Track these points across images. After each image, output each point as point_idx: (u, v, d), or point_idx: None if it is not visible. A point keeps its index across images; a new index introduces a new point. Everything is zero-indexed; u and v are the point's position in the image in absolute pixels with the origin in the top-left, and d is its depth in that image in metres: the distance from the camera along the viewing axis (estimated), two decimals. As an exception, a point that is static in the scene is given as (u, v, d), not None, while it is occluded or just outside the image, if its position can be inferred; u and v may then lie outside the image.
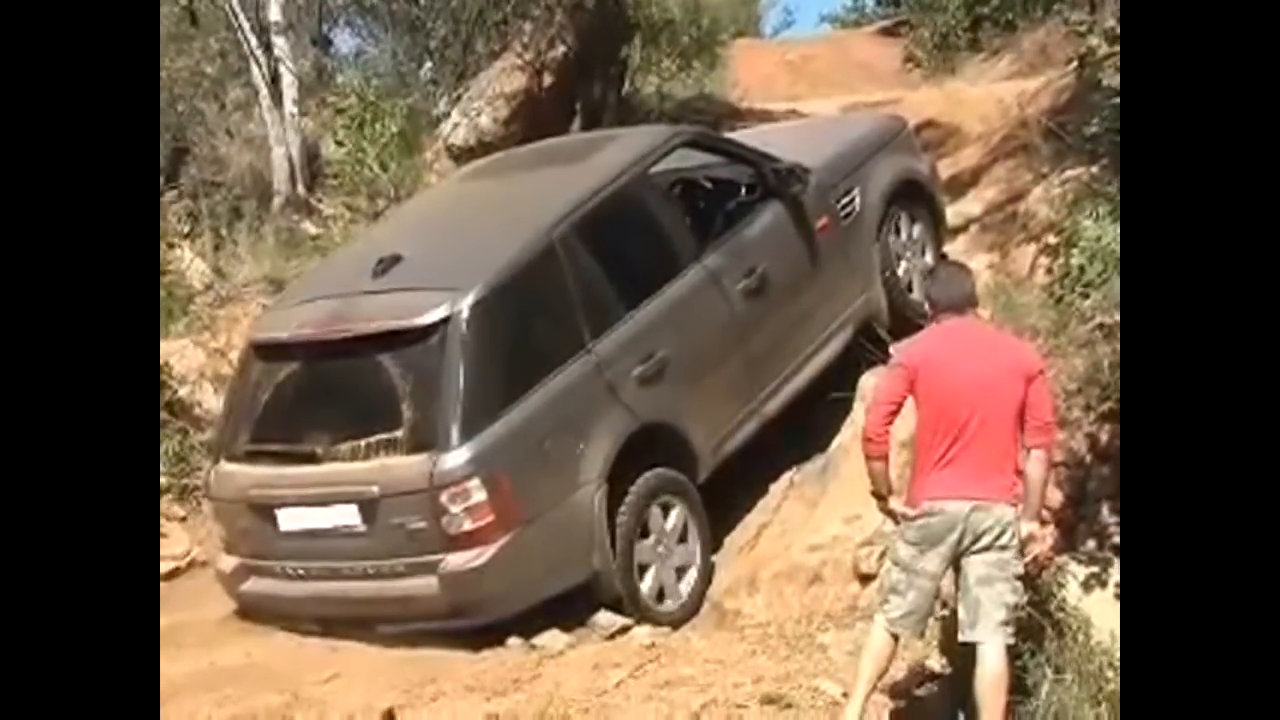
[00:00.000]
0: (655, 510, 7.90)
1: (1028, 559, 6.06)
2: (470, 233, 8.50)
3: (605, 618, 7.72)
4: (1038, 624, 6.08)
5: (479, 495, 7.29)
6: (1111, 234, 6.39)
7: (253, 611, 7.97)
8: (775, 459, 8.66)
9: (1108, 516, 6.88)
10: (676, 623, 7.80)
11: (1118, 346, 7.26)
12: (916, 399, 6.05)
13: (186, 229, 12.39)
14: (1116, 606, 6.41)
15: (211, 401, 9.87)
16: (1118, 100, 6.69)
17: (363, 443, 7.48)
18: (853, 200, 9.21)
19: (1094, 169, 7.29)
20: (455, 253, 8.16)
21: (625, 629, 7.67)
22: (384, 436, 7.45)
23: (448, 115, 14.17)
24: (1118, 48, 6.72)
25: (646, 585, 7.85)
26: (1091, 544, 6.83)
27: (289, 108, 13.79)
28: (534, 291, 7.79)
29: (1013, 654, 5.89)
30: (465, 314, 7.48)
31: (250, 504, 7.84)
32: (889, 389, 6.12)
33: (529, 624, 7.51)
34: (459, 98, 14.39)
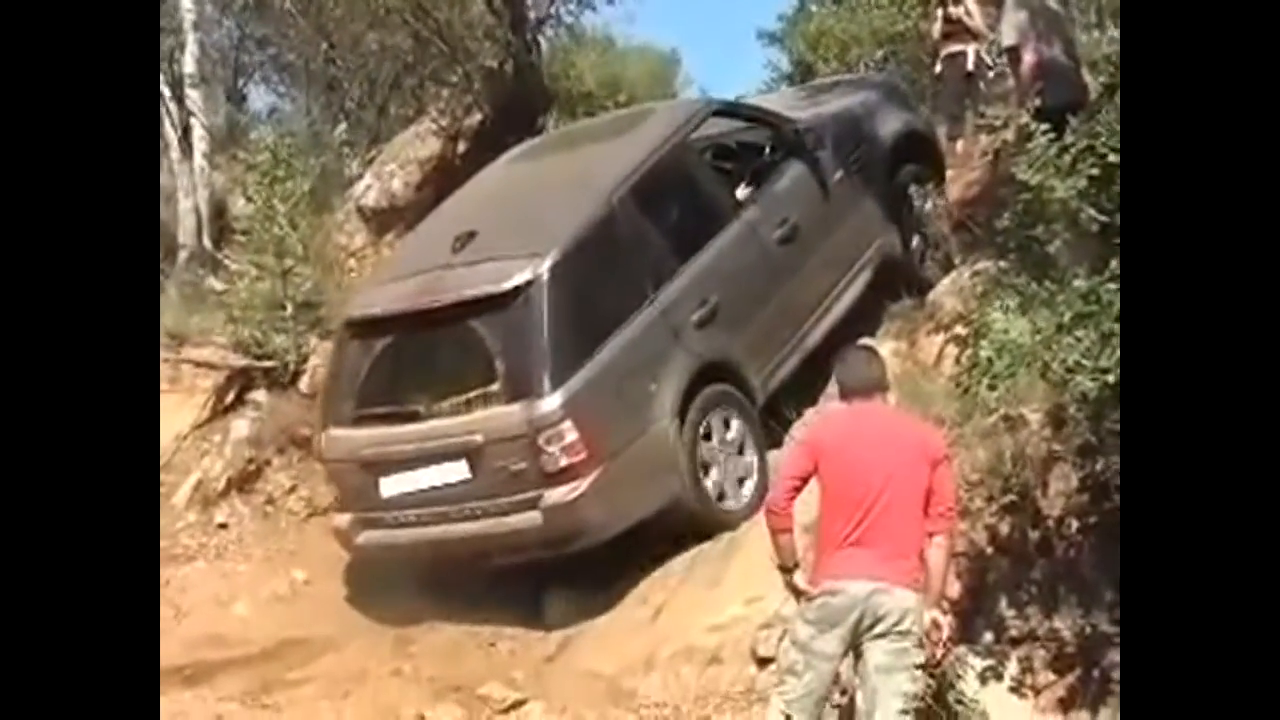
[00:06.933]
0: (716, 420, 8.71)
1: (932, 649, 6.05)
2: (536, 205, 9.27)
3: (498, 691, 7.67)
4: (936, 714, 6.08)
5: (571, 435, 8.17)
6: (1019, 328, 6.45)
7: (370, 560, 8.85)
8: (678, 535, 8.63)
9: (1005, 609, 6.92)
10: (739, 519, 8.44)
11: (1021, 438, 7.35)
12: (821, 479, 6.08)
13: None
14: (1012, 699, 6.46)
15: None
16: (1028, 195, 6.80)
17: (463, 398, 8.39)
18: (861, 153, 10.14)
19: (1002, 263, 7.37)
20: (526, 224, 8.96)
21: (519, 703, 7.62)
22: (482, 391, 8.35)
23: (361, 177, 14.05)
24: (1029, 144, 6.85)
25: (710, 482, 8.64)
26: (989, 636, 6.85)
27: (199, 161, 13.58)
28: (601, 252, 8.66)
29: (911, 744, 5.87)
30: (546, 276, 8.37)
31: (362, 463, 8.63)
32: (793, 465, 6.22)
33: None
34: (372, 160, 14.30)
